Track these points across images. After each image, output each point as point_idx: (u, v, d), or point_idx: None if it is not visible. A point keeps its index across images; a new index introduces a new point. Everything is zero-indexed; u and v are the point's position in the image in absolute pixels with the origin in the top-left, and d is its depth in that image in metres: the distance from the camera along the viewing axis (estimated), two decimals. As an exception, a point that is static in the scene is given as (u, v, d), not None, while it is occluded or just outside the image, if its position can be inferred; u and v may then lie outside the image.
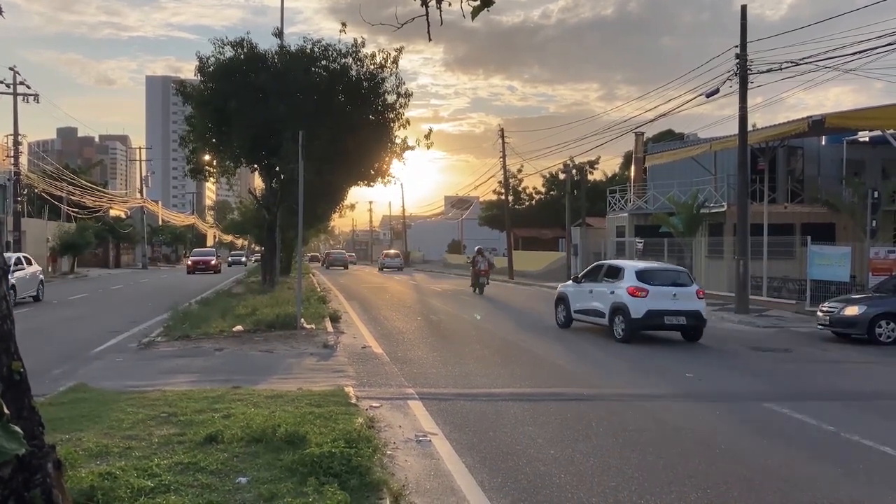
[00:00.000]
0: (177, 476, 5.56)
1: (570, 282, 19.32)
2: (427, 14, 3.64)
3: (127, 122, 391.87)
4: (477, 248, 34.09)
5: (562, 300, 18.67)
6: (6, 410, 2.48)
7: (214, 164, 27.87)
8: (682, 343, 16.03)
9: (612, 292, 16.27)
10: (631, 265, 17.22)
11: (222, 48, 24.60)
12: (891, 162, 31.16)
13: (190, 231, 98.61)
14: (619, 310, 15.90)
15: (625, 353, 14.51)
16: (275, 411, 7.62)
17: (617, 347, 15.17)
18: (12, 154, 43.91)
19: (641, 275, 16.12)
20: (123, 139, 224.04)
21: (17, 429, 2.47)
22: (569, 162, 46.29)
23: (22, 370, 2.70)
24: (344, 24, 23.61)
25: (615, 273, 16.81)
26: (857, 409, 9.72)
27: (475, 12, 3.49)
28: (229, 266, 73.58)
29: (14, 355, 2.66)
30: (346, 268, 67.59)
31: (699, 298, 15.94)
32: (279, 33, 26.07)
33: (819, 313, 17.52)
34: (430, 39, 3.70)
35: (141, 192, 77.54)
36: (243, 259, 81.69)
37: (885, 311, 16.25)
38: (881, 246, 22.65)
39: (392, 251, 72.47)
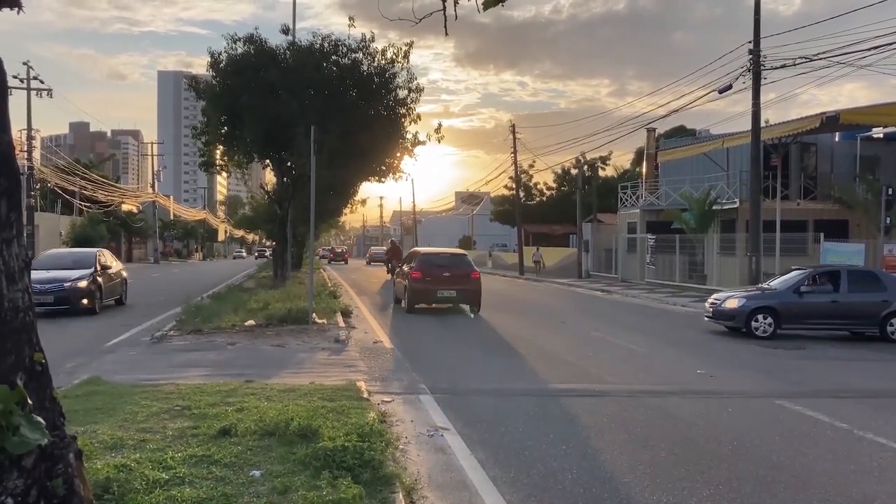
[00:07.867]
0: (191, 469, 5.60)
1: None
2: (444, 8, 3.64)
3: (139, 116, 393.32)
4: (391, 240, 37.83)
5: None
6: (29, 401, 2.51)
7: (227, 157, 28.02)
8: (694, 340, 16.01)
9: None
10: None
11: (234, 44, 24.66)
12: (905, 159, 30.95)
13: (201, 226, 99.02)
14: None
15: (636, 349, 14.50)
16: (288, 405, 7.65)
17: (636, 343, 15.16)
18: (26, 148, 44.23)
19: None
20: (135, 134, 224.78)
21: (40, 419, 2.51)
22: (580, 157, 46.19)
23: (44, 361, 2.74)
24: (352, 19, 23.68)
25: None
26: (870, 407, 9.67)
27: (487, 5, 3.47)
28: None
29: (36, 346, 2.70)
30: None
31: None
32: (289, 30, 26.09)
33: (707, 304, 17.83)
34: (446, 34, 3.70)
35: (153, 186, 77.96)
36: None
37: (761, 304, 16.50)
38: (895, 243, 22.50)
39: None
